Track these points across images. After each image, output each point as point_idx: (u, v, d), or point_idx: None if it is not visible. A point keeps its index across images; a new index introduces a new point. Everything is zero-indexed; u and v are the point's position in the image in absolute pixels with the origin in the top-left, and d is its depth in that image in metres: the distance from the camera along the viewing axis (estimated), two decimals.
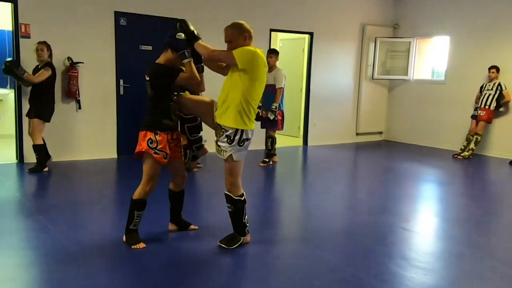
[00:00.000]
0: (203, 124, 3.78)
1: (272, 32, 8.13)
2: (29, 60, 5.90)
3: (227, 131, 3.29)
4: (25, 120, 6.00)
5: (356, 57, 9.27)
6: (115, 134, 6.85)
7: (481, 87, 8.03)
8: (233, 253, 3.43)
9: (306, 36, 8.80)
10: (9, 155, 6.53)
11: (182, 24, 3.34)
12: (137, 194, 3.40)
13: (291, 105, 8.94)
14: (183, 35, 3.30)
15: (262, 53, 3.34)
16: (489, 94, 7.84)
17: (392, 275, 3.21)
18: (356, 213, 4.76)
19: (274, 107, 6.40)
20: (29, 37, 6.02)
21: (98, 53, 6.58)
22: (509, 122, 7.99)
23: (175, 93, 3.43)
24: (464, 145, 8.04)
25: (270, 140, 6.73)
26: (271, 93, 6.43)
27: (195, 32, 3.33)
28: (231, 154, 3.30)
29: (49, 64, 5.73)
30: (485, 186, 6.51)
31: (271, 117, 6.41)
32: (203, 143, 5.77)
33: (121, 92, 6.81)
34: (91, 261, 3.24)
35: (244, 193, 3.45)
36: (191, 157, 5.90)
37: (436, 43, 9.43)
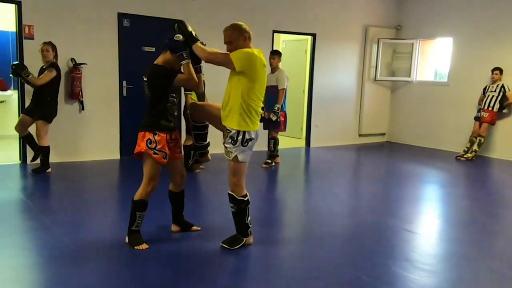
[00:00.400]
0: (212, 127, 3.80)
1: (275, 34, 8.14)
2: (33, 62, 5.91)
3: (231, 132, 3.32)
4: (22, 117, 5.89)
5: (359, 59, 9.27)
6: (118, 135, 6.86)
7: (484, 88, 8.01)
8: (236, 254, 3.42)
9: (309, 38, 8.80)
10: (13, 156, 6.56)
11: (181, 25, 3.34)
12: (138, 195, 3.41)
13: (294, 106, 8.94)
14: (181, 36, 3.31)
15: (260, 53, 3.33)
16: (493, 96, 7.82)
17: (395, 277, 3.20)
18: (359, 215, 4.75)
19: (276, 108, 6.40)
20: (32, 39, 6.03)
21: (101, 54, 6.60)
22: None
23: (173, 95, 3.43)
24: (467, 147, 8.02)
25: (273, 141, 6.73)
26: (274, 94, 6.43)
27: (194, 33, 3.33)
28: (236, 155, 3.32)
29: (54, 65, 5.73)
30: (488, 188, 6.49)
31: (274, 118, 6.41)
32: (207, 151, 5.78)
33: (124, 93, 6.82)
34: (94, 261, 3.25)
35: (248, 194, 3.45)
36: (194, 160, 5.93)
37: (439, 44, 9.41)
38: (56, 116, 5.88)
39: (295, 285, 3.02)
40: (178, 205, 3.75)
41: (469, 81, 8.43)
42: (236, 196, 3.40)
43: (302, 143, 9.10)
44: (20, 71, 5.66)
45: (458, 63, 8.66)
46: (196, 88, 3.54)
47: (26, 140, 5.98)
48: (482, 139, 7.88)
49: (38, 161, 5.90)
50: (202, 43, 3.37)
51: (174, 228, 3.81)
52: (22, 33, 6.02)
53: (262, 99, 3.43)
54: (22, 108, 6.12)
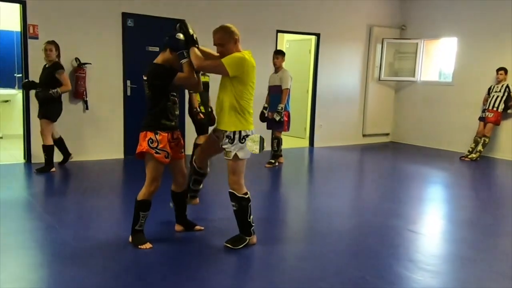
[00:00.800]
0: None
1: (279, 33, 8.13)
2: (37, 61, 5.94)
3: (226, 131, 3.39)
4: (33, 121, 6.04)
5: (363, 59, 9.25)
6: (122, 135, 6.88)
7: (489, 89, 7.98)
8: (239, 253, 3.43)
9: (313, 37, 8.80)
10: (17, 155, 6.58)
11: (182, 26, 3.37)
12: (141, 195, 3.41)
13: (297, 106, 8.92)
14: (182, 35, 3.33)
15: (249, 55, 3.40)
16: (497, 96, 7.79)
17: (399, 277, 3.19)
18: (362, 215, 4.74)
19: (280, 108, 6.39)
20: (37, 38, 6.06)
21: (105, 54, 6.62)
22: None
23: (173, 93, 3.43)
24: (471, 147, 7.99)
25: (276, 141, 6.72)
26: (277, 94, 6.43)
27: (194, 36, 3.36)
28: (236, 153, 3.37)
29: (59, 65, 5.76)
30: (492, 189, 6.47)
31: (277, 118, 6.40)
32: (198, 195, 5.78)
33: (128, 93, 6.84)
34: (98, 260, 3.26)
35: (248, 192, 3.46)
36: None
37: (443, 44, 9.38)
38: (60, 115, 5.90)
39: (298, 285, 3.01)
40: (181, 205, 3.76)
41: (474, 81, 8.39)
42: (237, 194, 3.42)
43: (305, 143, 9.09)
44: (33, 89, 5.84)
45: (463, 63, 8.63)
46: (195, 87, 3.56)
47: (56, 144, 6.00)
48: (487, 140, 7.85)
49: (42, 160, 5.91)
50: (198, 47, 3.37)
51: (177, 227, 3.82)
52: (26, 32, 6.04)
53: (252, 98, 3.48)
54: (26, 108, 6.15)
